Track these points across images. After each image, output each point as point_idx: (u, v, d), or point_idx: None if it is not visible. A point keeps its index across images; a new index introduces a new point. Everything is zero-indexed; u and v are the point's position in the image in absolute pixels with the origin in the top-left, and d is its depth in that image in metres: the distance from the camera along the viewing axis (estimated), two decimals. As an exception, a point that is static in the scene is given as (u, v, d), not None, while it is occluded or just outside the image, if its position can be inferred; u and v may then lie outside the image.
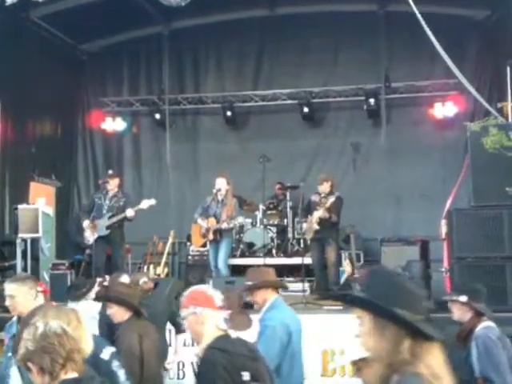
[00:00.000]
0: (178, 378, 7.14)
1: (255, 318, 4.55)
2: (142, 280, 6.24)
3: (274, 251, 10.60)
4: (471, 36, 11.48)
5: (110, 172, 9.88)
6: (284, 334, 4.34)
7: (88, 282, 6.60)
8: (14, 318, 4.58)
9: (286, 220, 11.01)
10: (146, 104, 12.97)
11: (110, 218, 8.92)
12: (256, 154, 10.84)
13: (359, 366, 2.79)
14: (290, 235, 10.90)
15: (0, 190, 10.30)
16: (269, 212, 11.07)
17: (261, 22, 12.22)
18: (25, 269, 9.24)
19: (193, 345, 7.15)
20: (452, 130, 10.90)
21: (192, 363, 6.80)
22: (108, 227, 8.91)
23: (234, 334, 3.40)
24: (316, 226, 8.84)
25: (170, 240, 10.78)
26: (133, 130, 13.24)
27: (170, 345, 6.56)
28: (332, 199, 8.75)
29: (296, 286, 8.78)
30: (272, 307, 4.46)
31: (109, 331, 4.81)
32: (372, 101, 11.62)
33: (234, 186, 9.34)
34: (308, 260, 9.39)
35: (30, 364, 2.28)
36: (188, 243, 10.92)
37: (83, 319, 2.40)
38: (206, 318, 3.31)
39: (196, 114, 13.08)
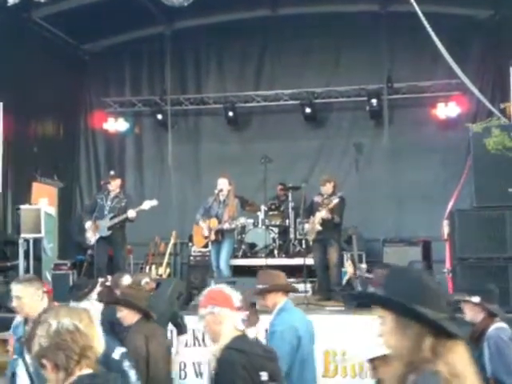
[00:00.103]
0: (180, 378, 7.14)
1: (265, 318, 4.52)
2: (144, 280, 6.25)
3: (275, 252, 10.59)
4: (474, 36, 11.44)
5: (112, 173, 9.88)
6: (293, 337, 4.30)
7: (90, 282, 6.60)
8: (19, 319, 4.58)
9: (287, 221, 11.01)
10: (148, 104, 12.97)
11: (111, 218, 8.93)
12: (258, 155, 10.83)
13: (375, 364, 2.79)
14: (291, 236, 10.89)
15: (2, 190, 10.30)
16: (271, 213, 11.06)
17: (263, 22, 12.22)
18: (27, 269, 9.27)
19: (195, 345, 7.19)
20: (455, 130, 10.86)
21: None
22: (110, 228, 8.91)
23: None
24: (318, 227, 8.83)
25: (172, 240, 10.80)
26: (135, 131, 13.24)
27: (172, 345, 6.55)
28: (335, 200, 8.73)
29: (298, 287, 8.75)
30: (282, 310, 4.45)
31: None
32: (374, 101, 11.60)
33: (236, 186, 9.34)
34: (310, 261, 9.38)
35: (44, 361, 2.28)
36: (190, 244, 10.91)
37: (95, 318, 2.42)
38: (223, 318, 3.30)
39: (198, 115, 13.07)
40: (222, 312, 3.30)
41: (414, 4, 7.75)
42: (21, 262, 9.28)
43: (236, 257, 10.30)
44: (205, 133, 12.95)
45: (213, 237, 8.93)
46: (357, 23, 11.56)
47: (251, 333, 3.69)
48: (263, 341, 4.23)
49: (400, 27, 11.09)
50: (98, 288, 6.28)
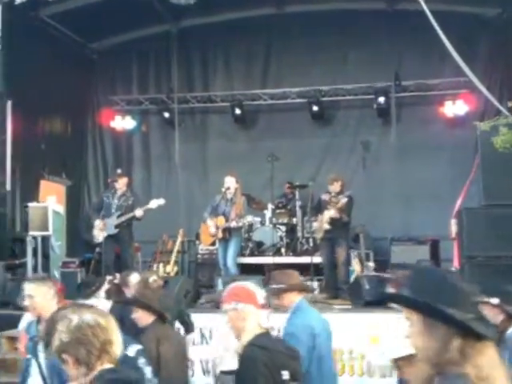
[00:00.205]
0: (187, 377, 7.15)
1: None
2: (152, 278, 6.26)
3: (283, 250, 10.59)
4: (481, 34, 11.39)
5: (119, 171, 9.93)
6: (309, 336, 4.27)
7: (98, 280, 6.65)
8: (29, 317, 4.59)
9: (295, 219, 10.99)
10: (154, 103, 12.99)
11: (118, 216, 8.96)
12: (265, 153, 10.83)
13: (399, 364, 2.77)
14: (299, 234, 10.88)
15: (11, 188, 10.34)
16: (278, 211, 11.05)
17: (269, 20, 12.21)
18: (35, 267, 9.30)
19: (202, 343, 7.21)
20: (462, 128, 10.82)
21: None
22: (117, 226, 8.95)
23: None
24: (327, 226, 8.83)
25: (180, 238, 10.83)
26: (142, 129, 13.27)
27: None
28: (344, 200, 8.72)
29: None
30: (298, 309, 4.43)
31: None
32: (382, 99, 11.57)
33: (243, 184, 9.34)
34: (317, 259, 9.38)
35: (65, 356, 2.28)
36: (197, 242, 10.93)
37: (112, 316, 2.43)
38: (247, 314, 3.26)
39: (205, 113, 13.09)
40: (246, 309, 3.27)
41: (422, 2, 7.74)
42: (29, 260, 9.32)
43: (243, 255, 10.30)
44: (212, 131, 12.96)
45: (220, 235, 8.94)
46: (364, 21, 11.54)
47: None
48: None
49: (408, 25, 11.05)
50: (106, 286, 6.33)
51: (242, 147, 12.51)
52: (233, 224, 8.89)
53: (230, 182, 9.02)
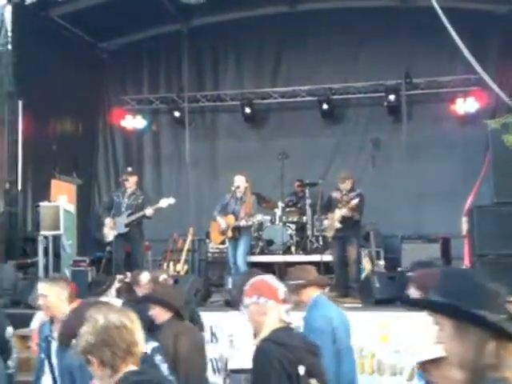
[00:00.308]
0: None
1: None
2: (162, 277, 6.28)
3: (293, 248, 10.59)
4: (493, 31, 11.29)
5: (129, 169, 9.96)
6: (330, 330, 4.28)
7: (108, 278, 6.69)
8: (41, 315, 4.61)
9: (305, 217, 10.98)
10: (165, 102, 13.01)
11: (128, 215, 9.00)
12: (275, 152, 10.83)
13: (426, 367, 2.73)
14: (309, 232, 10.87)
15: (22, 187, 10.42)
16: (288, 209, 11.05)
17: (280, 18, 12.18)
18: (46, 266, 9.36)
19: (212, 342, 7.22)
20: (474, 126, 10.74)
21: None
22: (127, 225, 8.99)
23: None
24: (338, 225, 8.81)
25: (190, 237, 10.85)
26: (152, 128, 13.30)
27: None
28: (356, 200, 8.70)
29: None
30: (317, 304, 4.44)
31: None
32: (392, 97, 11.52)
33: (253, 183, 9.34)
34: (327, 257, 9.37)
35: (90, 357, 2.29)
36: (207, 240, 10.95)
37: (135, 315, 2.43)
38: (268, 309, 3.23)
39: (215, 112, 13.09)
40: (268, 304, 3.23)
41: (433, 0, 7.69)
42: (40, 259, 9.38)
43: (253, 253, 10.32)
44: (222, 130, 12.97)
45: (230, 233, 8.95)
46: (375, 19, 11.47)
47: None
48: None
49: (418, 22, 10.98)
50: (117, 284, 6.35)
51: (252, 146, 12.50)
52: (242, 223, 8.90)
53: (240, 181, 9.03)
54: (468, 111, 11.29)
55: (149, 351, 3.68)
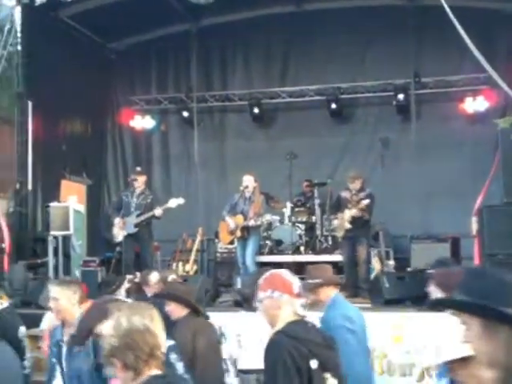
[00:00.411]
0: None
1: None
2: (171, 277, 6.31)
3: (302, 248, 10.58)
4: (501, 29, 11.20)
5: (138, 169, 9.95)
6: (348, 328, 4.27)
7: (118, 278, 6.71)
8: (50, 316, 4.60)
9: (314, 217, 10.96)
10: (173, 102, 13.03)
11: (138, 215, 9.01)
12: (283, 151, 10.83)
13: (453, 367, 2.71)
14: (318, 232, 10.85)
15: (32, 188, 10.47)
16: (297, 209, 11.04)
17: (288, 18, 12.18)
18: (56, 266, 9.41)
19: (221, 342, 7.21)
20: (483, 125, 10.69)
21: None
22: (136, 225, 9.00)
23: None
24: (348, 225, 8.79)
25: (199, 237, 10.86)
26: (161, 128, 13.33)
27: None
28: (367, 201, 8.67)
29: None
30: (334, 303, 4.43)
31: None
32: (401, 96, 11.49)
33: (262, 183, 9.34)
34: (336, 257, 9.35)
35: (114, 360, 2.29)
36: (216, 240, 10.96)
37: (158, 315, 2.42)
38: (282, 303, 3.23)
39: (223, 112, 13.10)
40: (282, 298, 3.23)
41: (441, -2, 7.67)
42: (50, 259, 9.42)
43: (262, 253, 10.31)
44: (230, 130, 12.98)
45: (239, 233, 8.96)
46: (383, 18, 11.43)
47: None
48: None
49: (427, 21, 10.97)
50: (126, 284, 6.38)
51: (261, 146, 12.50)
52: (251, 223, 8.90)
53: (249, 181, 9.04)
54: (477, 110, 11.23)
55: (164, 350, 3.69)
